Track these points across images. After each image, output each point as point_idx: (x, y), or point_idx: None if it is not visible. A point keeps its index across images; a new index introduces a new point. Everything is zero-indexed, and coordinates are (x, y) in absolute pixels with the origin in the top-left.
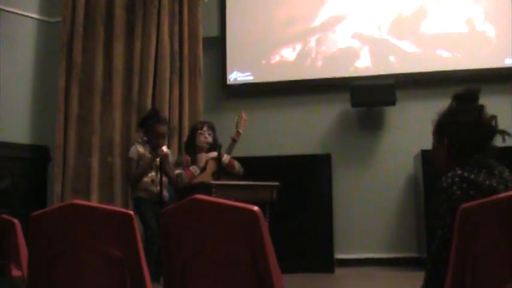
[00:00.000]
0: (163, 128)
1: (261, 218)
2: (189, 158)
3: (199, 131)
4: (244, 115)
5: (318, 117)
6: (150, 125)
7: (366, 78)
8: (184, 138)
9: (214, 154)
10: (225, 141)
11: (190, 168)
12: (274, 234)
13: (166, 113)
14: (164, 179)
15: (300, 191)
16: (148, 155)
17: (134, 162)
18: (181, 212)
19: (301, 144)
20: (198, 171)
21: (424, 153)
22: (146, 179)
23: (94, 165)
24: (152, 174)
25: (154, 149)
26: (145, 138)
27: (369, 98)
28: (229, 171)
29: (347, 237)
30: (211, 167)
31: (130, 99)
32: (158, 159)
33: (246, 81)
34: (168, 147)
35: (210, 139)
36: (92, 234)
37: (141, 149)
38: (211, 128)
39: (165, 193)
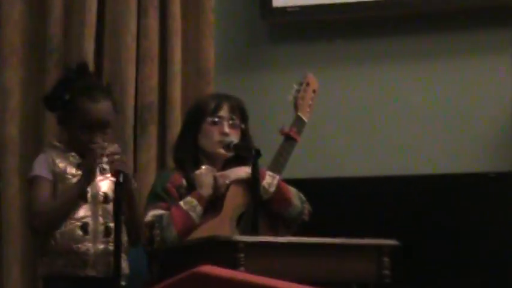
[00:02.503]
0: (101, 114)
1: None
2: (183, 181)
3: (212, 118)
4: (314, 81)
5: (475, 92)
6: (70, 106)
7: None
8: (172, 133)
9: (242, 171)
10: (267, 138)
11: (181, 202)
12: None
13: (131, 76)
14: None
15: (443, 249)
16: (77, 172)
17: (42, 186)
18: None
19: (447, 152)
20: (200, 208)
21: None
22: (71, 226)
23: None
24: (86, 215)
25: (84, 154)
26: (64, 139)
27: None
28: (278, 210)
29: None
30: (236, 201)
31: (38, 42)
32: (101, 176)
33: (313, 2)
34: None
35: (234, 135)
36: None
37: (59, 159)
38: (239, 110)
39: (123, 264)
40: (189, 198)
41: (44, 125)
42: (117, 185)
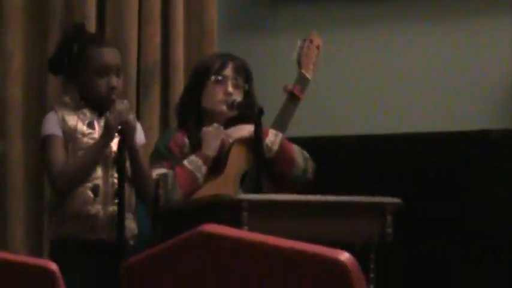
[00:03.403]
0: (112, 58)
1: (355, 276)
2: (186, 140)
3: (216, 77)
4: (318, 39)
5: (477, 52)
6: (80, 56)
7: None
8: (175, 93)
9: (245, 129)
10: (270, 99)
11: (186, 162)
12: None
13: (133, 35)
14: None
15: (445, 207)
16: (88, 130)
17: (58, 144)
18: (173, 265)
19: (445, 111)
20: (205, 168)
21: None
22: (82, 188)
23: None
24: (97, 176)
25: (101, 112)
26: (74, 97)
27: None
28: (281, 171)
29: None
30: (239, 160)
31: (40, 4)
32: (115, 139)
33: None
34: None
35: (237, 95)
36: None
37: (70, 117)
38: (244, 70)
39: (131, 224)
40: (193, 158)
41: (47, 87)
42: (119, 144)
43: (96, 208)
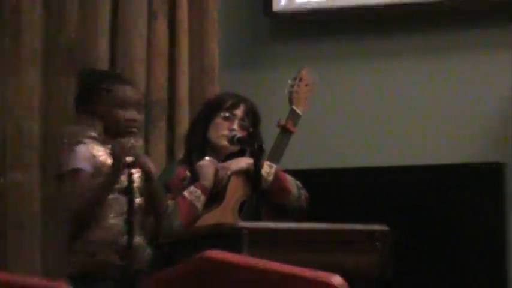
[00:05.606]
0: (134, 94)
1: None
2: (187, 173)
3: (226, 113)
4: (307, 77)
5: (475, 87)
6: (106, 92)
7: None
8: (180, 129)
9: (242, 161)
10: (269, 134)
11: (186, 192)
12: None
13: (141, 74)
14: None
15: (435, 235)
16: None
17: (86, 178)
18: None
19: (437, 145)
20: (203, 197)
21: None
22: (116, 222)
23: None
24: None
25: (122, 134)
26: (100, 132)
27: None
28: (277, 200)
29: None
30: (238, 191)
31: (59, 41)
32: (128, 172)
33: (311, 6)
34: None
35: (240, 133)
36: None
37: (99, 152)
38: (252, 113)
39: (138, 240)
40: (193, 188)
41: (64, 121)
42: (129, 176)
43: (125, 238)
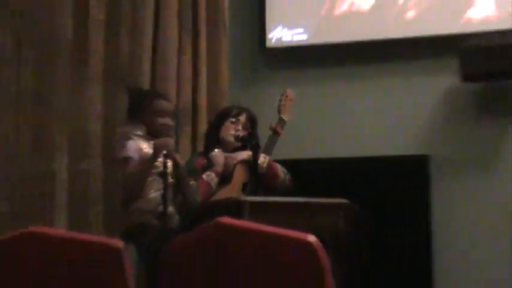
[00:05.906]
0: (167, 106)
1: (320, 253)
2: (204, 161)
3: (231, 119)
4: (291, 94)
5: (409, 99)
6: (145, 106)
7: (485, 36)
8: (200, 129)
9: (244, 154)
10: (261, 134)
11: (204, 176)
12: (344, 275)
13: (173, 91)
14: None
15: (380, 211)
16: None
17: (134, 164)
18: (197, 246)
19: (383, 140)
20: (216, 179)
21: None
22: (152, 193)
23: (60, 172)
24: (159, 185)
25: (158, 136)
26: (144, 132)
27: (490, 67)
28: (269, 181)
29: (451, 278)
30: (241, 175)
31: (115, 67)
32: (163, 160)
33: (295, 43)
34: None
35: (243, 133)
36: (58, 278)
37: (144, 145)
38: (251, 119)
39: (171, 209)
40: (208, 172)
41: (119, 124)
42: (164, 163)
43: (161, 207)
